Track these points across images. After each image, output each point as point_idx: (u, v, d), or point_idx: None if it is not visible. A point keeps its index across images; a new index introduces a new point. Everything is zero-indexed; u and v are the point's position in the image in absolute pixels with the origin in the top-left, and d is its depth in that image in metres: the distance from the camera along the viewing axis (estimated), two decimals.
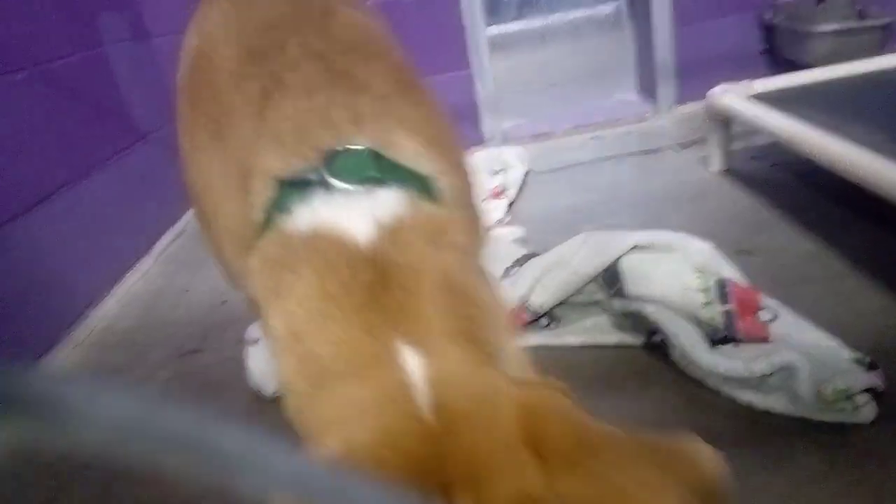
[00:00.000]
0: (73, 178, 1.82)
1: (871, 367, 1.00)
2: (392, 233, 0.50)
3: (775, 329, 1.09)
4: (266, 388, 1.29)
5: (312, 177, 0.53)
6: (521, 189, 2.15)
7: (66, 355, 1.61)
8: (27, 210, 1.60)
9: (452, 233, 0.54)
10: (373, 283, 0.48)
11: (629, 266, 1.27)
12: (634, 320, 1.24)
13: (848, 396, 0.94)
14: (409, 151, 0.56)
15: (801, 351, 1.01)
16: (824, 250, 1.44)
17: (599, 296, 1.32)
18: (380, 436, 0.41)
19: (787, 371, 1.00)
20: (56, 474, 1.19)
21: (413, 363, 0.44)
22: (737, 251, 1.43)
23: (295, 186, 0.53)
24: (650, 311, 1.20)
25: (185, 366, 1.50)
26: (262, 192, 0.55)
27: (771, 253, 1.48)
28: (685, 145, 2.28)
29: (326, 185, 0.52)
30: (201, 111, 0.66)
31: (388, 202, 0.52)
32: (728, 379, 1.06)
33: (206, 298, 1.77)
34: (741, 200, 1.78)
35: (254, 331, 1.43)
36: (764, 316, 1.11)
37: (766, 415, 1.02)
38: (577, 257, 1.33)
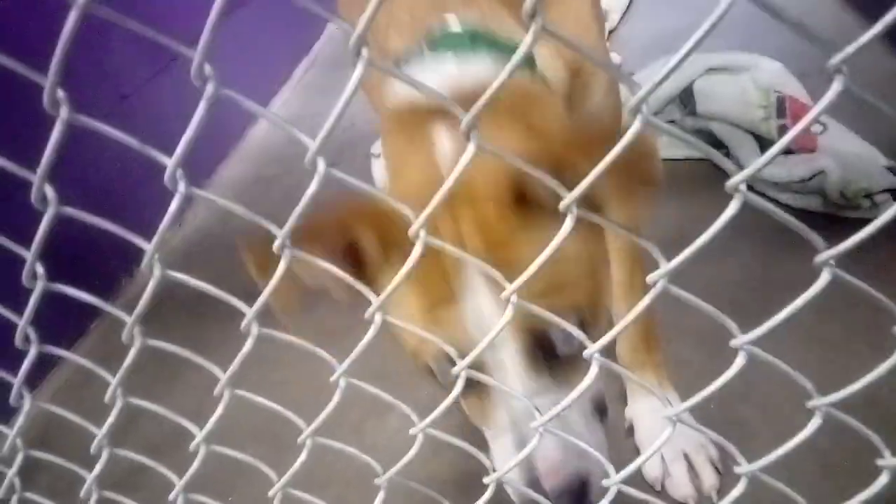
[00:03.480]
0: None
1: None
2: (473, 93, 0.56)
3: (823, 140, 1.23)
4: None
5: (415, 52, 0.64)
6: (625, 13, 2.19)
7: (232, 168, 2.02)
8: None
9: (540, 108, 0.60)
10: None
11: (701, 87, 1.41)
12: (703, 136, 1.40)
13: (867, 195, 1.09)
14: (513, 29, 0.63)
15: (839, 158, 1.16)
16: None
17: (676, 115, 1.48)
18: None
19: (822, 175, 1.15)
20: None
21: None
22: (820, 70, 1.49)
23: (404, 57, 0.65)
24: (716, 127, 1.37)
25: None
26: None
27: (854, 73, 1.53)
28: None
29: (423, 56, 0.63)
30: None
31: (475, 66, 0.60)
32: (773, 183, 1.23)
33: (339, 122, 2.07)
34: (844, 20, 1.77)
35: (376, 147, 1.72)
36: (815, 129, 1.24)
37: (802, 212, 1.19)
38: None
